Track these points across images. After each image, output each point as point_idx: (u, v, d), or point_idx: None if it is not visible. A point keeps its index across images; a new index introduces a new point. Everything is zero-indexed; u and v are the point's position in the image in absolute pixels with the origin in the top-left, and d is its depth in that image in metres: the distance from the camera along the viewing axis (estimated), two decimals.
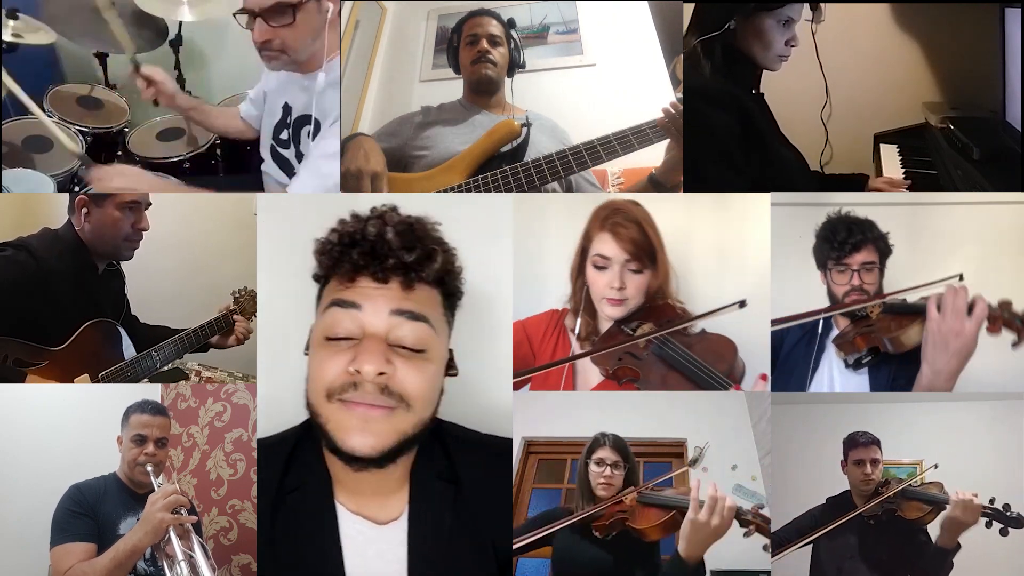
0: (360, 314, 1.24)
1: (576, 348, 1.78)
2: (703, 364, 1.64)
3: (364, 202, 1.74)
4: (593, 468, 1.66)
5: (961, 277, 1.66)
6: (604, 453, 1.66)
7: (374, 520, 1.33)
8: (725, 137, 1.83)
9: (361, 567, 1.31)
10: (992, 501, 1.63)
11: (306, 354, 1.33)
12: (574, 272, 1.79)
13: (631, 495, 1.59)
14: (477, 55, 1.99)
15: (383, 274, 1.24)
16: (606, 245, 1.71)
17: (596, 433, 1.69)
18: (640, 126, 1.82)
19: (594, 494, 1.65)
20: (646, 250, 1.70)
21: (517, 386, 1.68)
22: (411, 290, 1.26)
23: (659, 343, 1.68)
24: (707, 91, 1.85)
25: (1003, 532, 1.62)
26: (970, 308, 1.58)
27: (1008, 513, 1.62)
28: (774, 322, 1.75)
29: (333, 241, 1.27)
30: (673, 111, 1.78)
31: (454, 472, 1.37)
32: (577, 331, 1.76)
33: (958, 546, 1.64)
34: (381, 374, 1.22)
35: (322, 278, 1.33)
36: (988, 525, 1.62)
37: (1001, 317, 1.57)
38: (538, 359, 1.77)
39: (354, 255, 1.24)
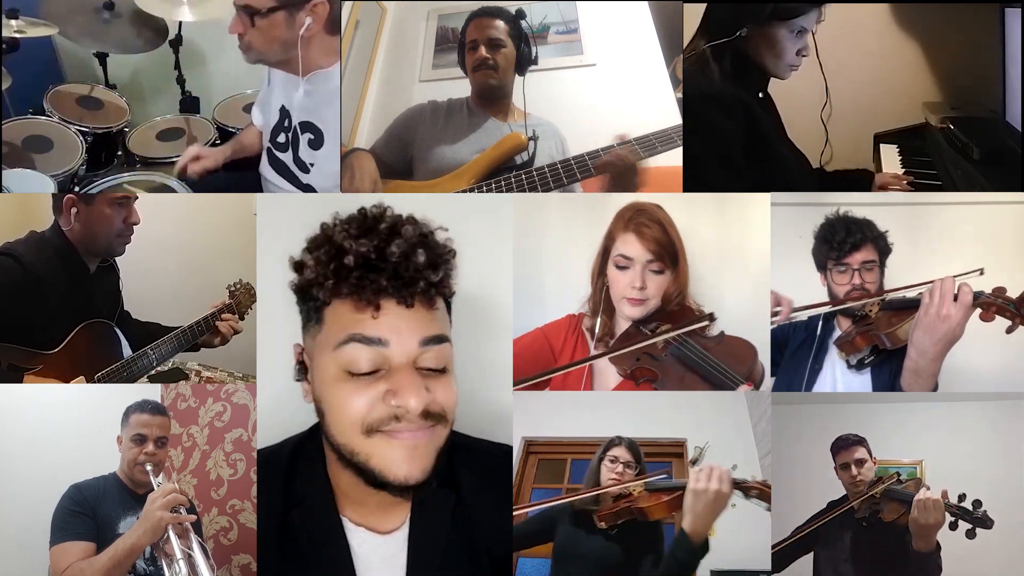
0: (387, 349, 1.16)
1: (594, 350, 1.77)
2: (721, 366, 1.64)
3: (364, 202, 1.74)
4: (607, 463, 1.68)
5: (982, 272, 1.65)
6: (619, 452, 1.68)
7: (377, 531, 1.32)
8: (729, 142, 1.83)
9: (366, 574, 1.31)
10: (961, 499, 1.58)
11: (298, 379, 1.28)
12: (595, 273, 1.79)
13: (639, 487, 1.60)
14: (476, 63, 1.96)
15: (410, 299, 1.15)
16: (630, 245, 1.71)
17: (613, 435, 1.71)
18: (647, 136, 1.83)
19: (601, 486, 1.66)
20: (668, 251, 1.71)
21: (537, 388, 1.69)
22: (433, 308, 1.20)
23: (678, 344, 1.68)
24: (715, 95, 1.85)
25: (970, 534, 1.57)
26: (956, 295, 1.58)
27: (975, 512, 1.57)
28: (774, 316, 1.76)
29: (350, 265, 1.13)
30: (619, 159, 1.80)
31: (454, 478, 1.35)
32: (596, 332, 1.76)
33: (938, 546, 1.61)
34: (425, 403, 1.17)
35: (317, 298, 1.19)
36: (953, 527, 1.57)
37: (995, 303, 1.58)
38: (559, 364, 1.77)
39: (382, 282, 1.13)
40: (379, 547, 1.30)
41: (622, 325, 1.77)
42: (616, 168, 1.81)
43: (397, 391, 1.15)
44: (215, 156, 2.22)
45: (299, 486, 1.30)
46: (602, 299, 1.76)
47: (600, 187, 1.89)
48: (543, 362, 1.76)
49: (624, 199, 1.77)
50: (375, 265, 1.13)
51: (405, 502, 1.31)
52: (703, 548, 1.47)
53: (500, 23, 1.96)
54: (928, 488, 1.59)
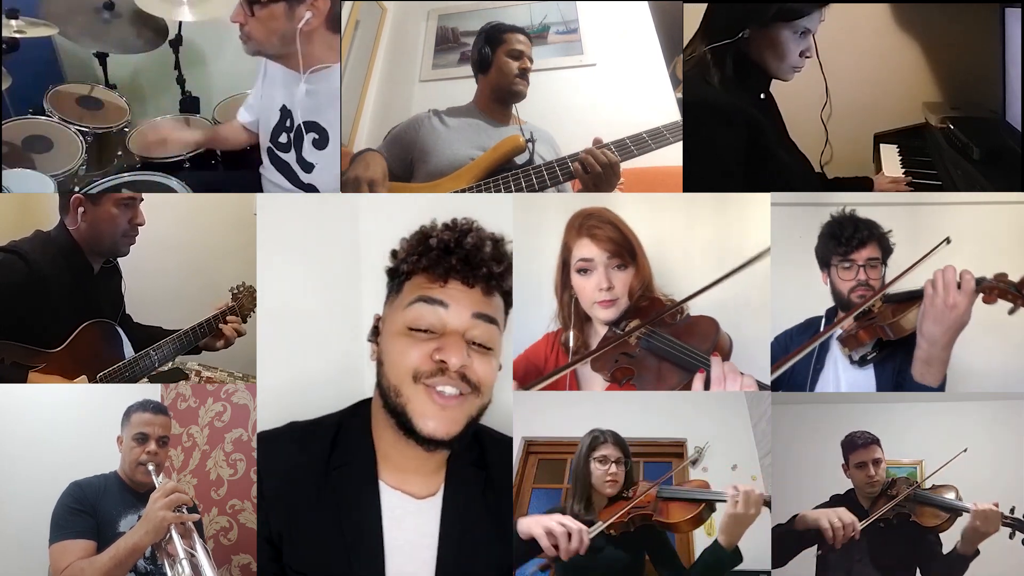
0: (445, 312, 1.37)
1: None
2: (686, 347, 1.65)
3: (364, 203, 1.75)
4: (597, 466, 1.67)
5: (948, 240, 1.72)
6: (607, 450, 1.67)
7: (413, 495, 1.46)
8: (729, 154, 1.84)
9: (398, 538, 1.43)
10: (1012, 511, 1.65)
11: (370, 340, 1.47)
12: (558, 287, 1.80)
13: (650, 492, 1.62)
14: (521, 71, 2.03)
15: (472, 280, 1.38)
16: (587, 248, 1.73)
17: (592, 431, 1.70)
18: (639, 134, 1.84)
19: (598, 492, 1.65)
20: (626, 247, 1.73)
21: None
22: (491, 296, 1.41)
23: (647, 337, 1.69)
24: (715, 105, 1.86)
25: None
26: (959, 283, 1.63)
27: None
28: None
29: (432, 246, 1.39)
30: (586, 166, 1.84)
31: (485, 461, 1.52)
32: (571, 345, 1.77)
33: (977, 552, 1.66)
34: (463, 366, 1.37)
35: (403, 273, 1.43)
36: (1012, 536, 1.64)
37: (997, 287, 1.62)
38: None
39: (452, 261, 1.37)
40: (412, 512, 1.45)
41: (598, 332, 1.77)
42: (588, 173, 1.84)
43: (443, 348, 1.36)
44: (184, 141, 2.28)
45: (342, 451, 1.46)
46: (572, 312, 1.78)
47: (576, 188, 1.92)
48: (531, 380, 1.76)
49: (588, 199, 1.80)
50: (452, 250, 1.38)
51: (440, 470, 1.47)
52: (738, 556, 1.56)
53: (529, 43, 2.06)
54: (961, 499, 1.68)
